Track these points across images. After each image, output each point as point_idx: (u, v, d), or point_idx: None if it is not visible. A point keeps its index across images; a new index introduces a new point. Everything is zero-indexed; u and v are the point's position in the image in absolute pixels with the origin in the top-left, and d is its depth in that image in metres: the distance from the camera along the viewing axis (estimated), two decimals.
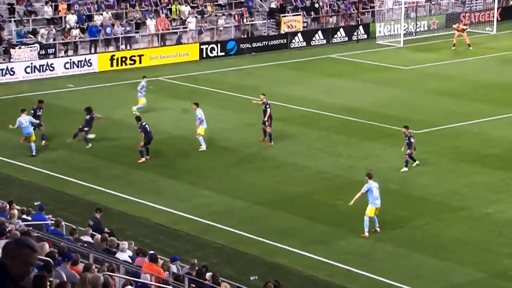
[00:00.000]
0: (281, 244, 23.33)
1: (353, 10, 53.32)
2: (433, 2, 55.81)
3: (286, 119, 34.81)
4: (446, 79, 41.71)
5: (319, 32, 50.84)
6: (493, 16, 53.88)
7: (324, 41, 50.70)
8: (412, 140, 28.74)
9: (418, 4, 54.55)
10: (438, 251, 22.92)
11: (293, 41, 49.84)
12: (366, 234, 23.65)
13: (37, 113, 31.42)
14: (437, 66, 44.69)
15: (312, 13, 52.18)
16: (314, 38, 50.53)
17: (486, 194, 26.55)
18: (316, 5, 52.42)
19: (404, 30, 51.14)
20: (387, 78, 42.15)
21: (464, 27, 48.27)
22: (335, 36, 51.25)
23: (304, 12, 51.73)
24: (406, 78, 42.30)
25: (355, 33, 51.60)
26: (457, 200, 26.02)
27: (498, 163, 29.40)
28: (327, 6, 52.87)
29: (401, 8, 50.85)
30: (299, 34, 50.15)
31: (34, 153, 30.24)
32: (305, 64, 45.55)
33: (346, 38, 51.44)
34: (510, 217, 24.87)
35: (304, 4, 52.24)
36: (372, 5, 54.05)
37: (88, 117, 31.33)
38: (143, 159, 29.81)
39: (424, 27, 53.16)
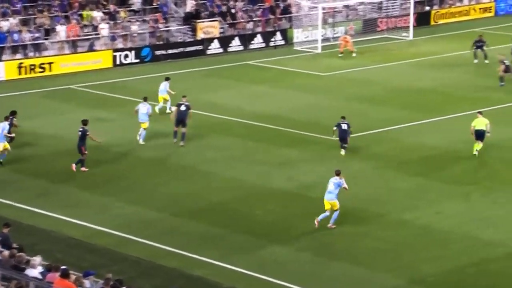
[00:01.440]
0: (199, 255, 23.31)
1: (270, 15, 53.73)
2: (350, 8, 56.74)
3: (204, 127, 34.81)
4: (364, 85, 42.43)
5: (236, 38, 51.05)
6: (410, 21, 55.13)
7: (241, 47, 50.93)
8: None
9: (335, 10, 55.36)
10: (357, 259, 23.26)
11: (210, 47, 49.91)
12: (316, 221, 24.77)
13: None
14: (355, 72, 45.43)
15: (229, 18, 52.39)
16: (231, 44, 50.71)
17: (404, 201, 27.10)
18: (233, 11, 52.65)
19: (322, 35, 51.79)
20: (306, 84, 42.63)
21: (349, 37, 48.98)
22: (253, 42, 51.54)
23: (221, 18, 51.89)
24: (325, 84, 42.87)
25: (273, 39, 52.00)
26: (376, 207, 26.48)
27: (416, 169, 30.06)
28: (243, 12, 53.15)
29: (318, 13, 51.50)
30: (216, 40, 50.26)
31: None
32: (222, 70, 45.69)
33: (264, 44, 51.80)
34: (427, 223, 25.45)
35: (220, 9, 52.40)
36: (289, 10, 54.58)
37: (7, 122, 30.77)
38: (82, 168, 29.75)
39: (341, 32, 53.94)
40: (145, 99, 33.62)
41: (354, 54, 48.26)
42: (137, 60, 47.28)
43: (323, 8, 52.63)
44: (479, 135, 31.28)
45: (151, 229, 25.06)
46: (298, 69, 45.24)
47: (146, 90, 41.09)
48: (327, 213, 25.10)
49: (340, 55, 48.45)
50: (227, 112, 37.11)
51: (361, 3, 56.54)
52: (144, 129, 32.91)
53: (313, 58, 49.29)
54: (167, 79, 37.58)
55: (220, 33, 51.40)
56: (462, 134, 33.81)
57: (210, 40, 50.18)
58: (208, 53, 49.76)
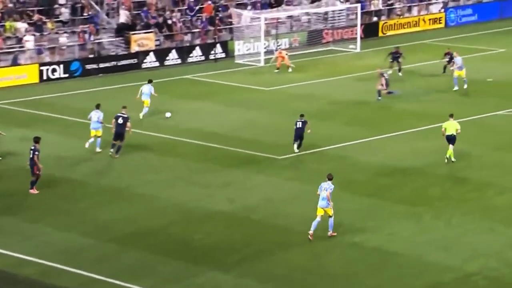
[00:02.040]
0: (132, 284, 23.06)
1: (210, 27, 53.79)
2: (294, 19, 57.14)
3: (140, 146, 34.60)
4: (309, 99, 42.68)
5: (173, 50, 50.98)
6: (357, 33, 55.72)
7: (179, 61, 50.88)
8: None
9: (278, 21, 55.69)
10: (303, 285, 23.25)
11: (145, 60, 49.75)
12: (309, 233, 25.39)
13: None
14: (300, 86, 45.68)
15: (165, 30, 52.29)
16: (168, 58, 50.63)
17: (354, 222, 27.23)
18: (169, 22, 52.57)
19: (265, 48, 52.02)
20: (248, 99, 42.72)
21: (284, 52, 48.98)
22: (191, 55, 51.53)
23: (156, 29, 51.77)
24: (268, 100, 43.01)
25: (213, 52, 52.06)
26: (323, 229, 26.49)
27: (365, 188, 30.28)
28: (181, 23, 53.12)
29: (260, 24, 51.72)
30: (152, 53, 50.13)
31: None
32: (159, 86, 45.44)
33: (203, 57, 51.82)
34: (378, 245, 25.60)
35: (156, 20, 52.27)
36: (229, 21, 54.73)
37: None
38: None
39: (285, 44, 54.28)
40: (97, 107, 34.35)
41: (290, 70, 48.26)
42: (66, 75, 46.84)
43: (266, 19, 52.91)
44: (450, 139, 32.63)
45: (81, 257, 24.72)
46: (240, 84, 45.32)
47: (76, 107, 40.64)
48: (319, 219, 25.68)
49: (276, 70, 48.45)
50: (166, 130, 36.94)
51: (306, 14, 57.01)
52: (98, 136, 33.75)
53: (255, 71, 49.46)
54: (150, 81, 39.17)
55: (156, 45, 51.28)
56: (411, 151, 34.24)
57: (145, 53, 50.00)
58: (143, 67, 49.58)
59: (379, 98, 42.03)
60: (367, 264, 24.47)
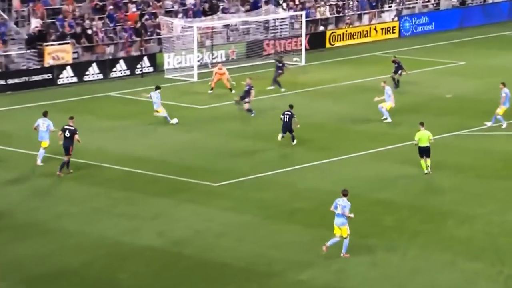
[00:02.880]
0: None
1: (135, 37, 53.85)
2: (231, 28, 57.51)
3: (52, 174, 34.45)
4: (249, 119, 42.93)
5: (94, 64, 50.90)
6: (301, 44, 56.28)
7: (101, 76, 50.80)
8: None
9: (213, 30, 55.99)
10: None
11: (61, 76, 49.58)
12: (324, 247, 26.75)
13: None
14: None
15: (84, 41, 52.17)
16: (87, 72, 50.51)
17: (298, 257, 27.45)
18: (89, 31, 52.48)
19: (198, 61, 52.22)
20: (180, 119, 42.74)
21: (224, 68, 48.13)
22: (114, 69, 51.50)
23: (74, 40, 51.63)
24: (203, 119, 43.14)
25: (139, 66, 52.08)
26: (265, 265, 26.75)
27: (310, 218, 30.54)
28: (102, 33, 53.07)
29: (193, 34, 51.94)
30: (69, 68, 49.96)
31: None
32: (77, 104, 45.38)
33: (128, 72, 51.83)
34: (325, 284, 25.84)
35: (73, 30, 52.14)
36: (158, 31, 54.86)
37: None
38: None
39: (221, 57, 54.58)
40: (44, 114, 35.06)
41: (233, 91, 47.04)
42: None
43: (199, 28, 53.14)
44: (424, 151, 34.17)
45: None
46: (170, 102, 45.38)
47: None
48: (337, 239, 26.78)
49: (210, 91, 47.59)
50: (86, 154, 36.78)
51: (244, 22, 57.39)
52: (44, 148, 34.84)
53: (188, 87, 49.59)
54: (157, 88, 41.70)
55: (74, 58, 51.15)
56: (362, 176, 34.65)
57: (61, 67, 49.82)
58: (59, 83, 49.40)
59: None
60: None
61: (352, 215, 26.84)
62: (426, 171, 34.39)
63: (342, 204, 26.84)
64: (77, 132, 34.07)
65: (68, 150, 33.93)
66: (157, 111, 41.53)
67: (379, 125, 42.06)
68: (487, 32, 66.26)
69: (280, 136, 37.98)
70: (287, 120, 38.05)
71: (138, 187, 33.48)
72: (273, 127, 41.17)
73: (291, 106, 38.66)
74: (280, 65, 48.64)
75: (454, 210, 31.34)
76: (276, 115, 42.13)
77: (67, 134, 33.84)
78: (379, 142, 38.95)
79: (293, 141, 38.33)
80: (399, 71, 47.89)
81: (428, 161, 34.50)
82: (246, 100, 42.73)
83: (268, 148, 38.34)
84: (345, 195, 27.00)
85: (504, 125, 40.91)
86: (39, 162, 34.91)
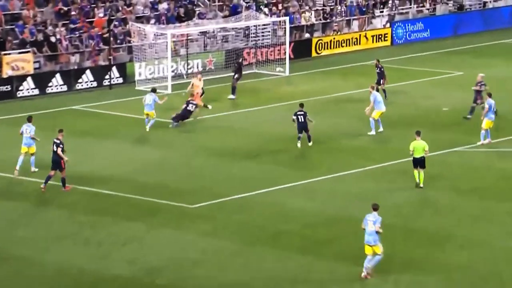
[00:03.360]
0: None
1: (103, 45, 53.69)
2: (208, 35, 57.46)
3: (14, 194, 34.32)
4: (226, 134, 42.87)
5: (58, 75, 50.77)
6: (285, 52, 56.28)
7: (65, 87, 50.71)
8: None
9: (189, 38, 55.93)
10: None
11: (21, 87, 49.48)
12: (363, 275, 27.01)
13: None
14: (217, 118, 45.82)
15: (47, 49, 51.97)
16: (50, 84, 50.39)
17: (282, 286, 27.28)
18: (52, 39, 52.29)
19: (172, 71, 52.10)
20: (152, 135, 42.64)
21: (198, 83, 47.32)
22: (80, 80, 51.38)
23: (35, 49, 51.43)
24: (178, 135, 43.07)
25: (107, 76, 51.94)
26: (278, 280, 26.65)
27: (295, 243, 30.37)
28: (67, 40, 52.89)
29: (167, 42, 51.84)
30: (29, 78, 49.83)
31: None
32: (39, 118, 45.05)
33: (95, 83, 51.72)
34: None
35: (34, 37, 51.93)
36: (128, 39, 54.73)
37: None
38: None
39: (198, 67, 54.49)
40: (29, 120, 37.03)
41: (209, 106, 46.39)
42: None
43: (173, 36, 53.07)
44: (418, 162, 35.03)
45: None
46: (141, 116, 45.20)
47: None
48: (370, 258, 26.99)
49: (209, 107, 46.61)
50: (47, 174, 36.54)
51: (223, 29, 57.37)
52: (32, 154, 36.32)
53: (160, 100, 49.41)
54: (153, 90, 43.53)
55: (35, 68, 50.99)
56: (353, 195, 34.56)
57: (21, 78, 49.69)
58: (19, 95, 49.31)
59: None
60: None
61: (381, 230, 26.90)
62: (418, 182, 34.85)
63: (372, 219, 26.92)
64: (60, 146, 34.62)
65: (56, 164, 34.60)
66: (148, 114, 42.76)
67: (369, 139, 42.00)
68: (487, 39, 66.43)
69: (299, 143, 39.80)
70: (302, 120, 39.67)
71: (105, 209, 33.30)
72: (254, 144, 41.08)
73: (301, 105, 40.27)
74: (237, 65, 49.51)
75: (453, 234, 31.24)
76: (256, 131, 42.15)
77: (54, 147, 34.67)
78: (369, 159, 38.90)
79: (310, 142, 39.99)
80: (381, 80, 47.61)
81: (422, 174, 34.86)
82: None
83: (249, 167, 38.18)
84: (375, 209, 27.14)
85: (482, 142, 40.41)
86: (33, 169, 36.61)
